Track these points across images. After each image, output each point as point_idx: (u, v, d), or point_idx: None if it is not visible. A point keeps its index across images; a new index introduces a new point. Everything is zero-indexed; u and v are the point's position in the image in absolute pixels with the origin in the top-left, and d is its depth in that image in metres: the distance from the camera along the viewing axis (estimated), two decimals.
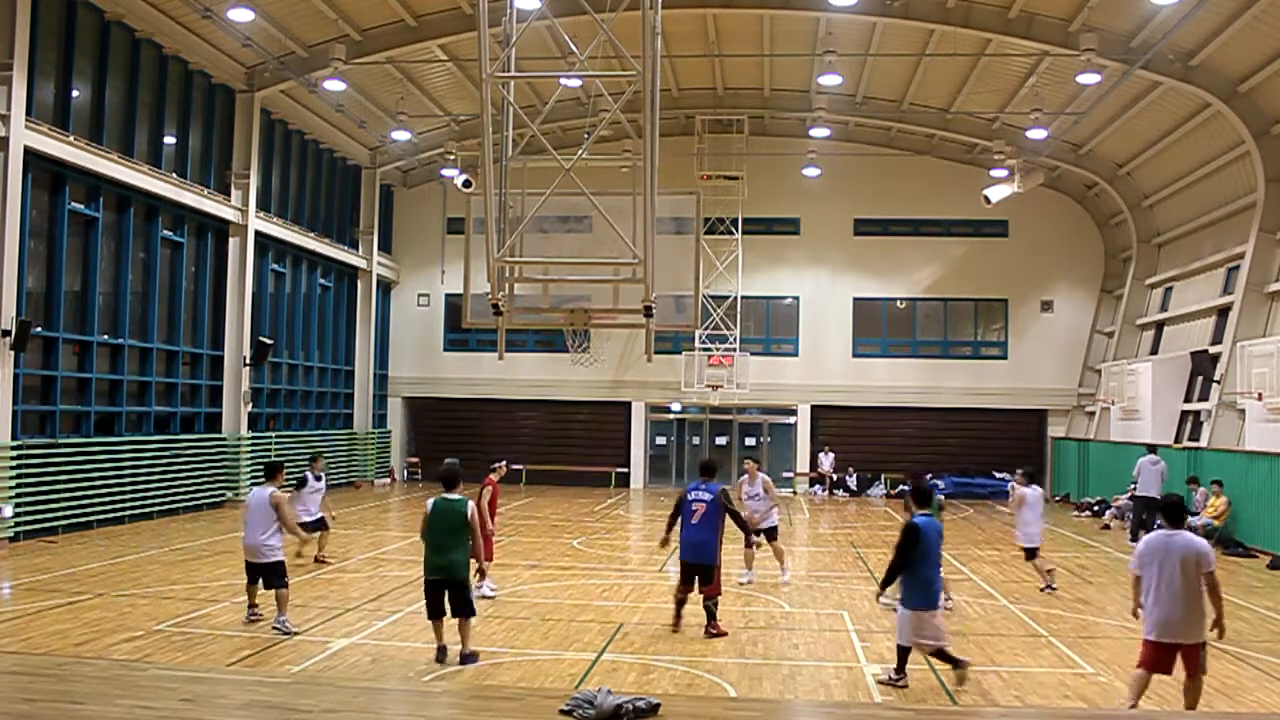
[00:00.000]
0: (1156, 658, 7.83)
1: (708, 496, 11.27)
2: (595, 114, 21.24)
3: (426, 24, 23.32)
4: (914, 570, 9.12)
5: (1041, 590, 14.27)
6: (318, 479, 15.84)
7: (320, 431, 28.65)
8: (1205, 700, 8.93)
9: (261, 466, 14.06)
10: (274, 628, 10.85)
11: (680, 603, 11.41)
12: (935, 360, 31.83)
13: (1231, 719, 8.54)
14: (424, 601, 9.97)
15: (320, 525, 15.60)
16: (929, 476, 30.72)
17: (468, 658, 9.79)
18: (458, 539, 9.84)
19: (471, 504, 10.10)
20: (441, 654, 9.88)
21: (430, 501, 10.01)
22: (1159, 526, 8.71)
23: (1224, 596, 7.98)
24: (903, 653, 9.28)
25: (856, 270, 31.78)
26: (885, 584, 9.58)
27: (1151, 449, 20.65)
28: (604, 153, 14.87)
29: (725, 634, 11.14)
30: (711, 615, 11.23)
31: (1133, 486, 20.58)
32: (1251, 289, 22.23)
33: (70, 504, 18.28)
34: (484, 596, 12.46)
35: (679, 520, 11.38)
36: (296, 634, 10.79)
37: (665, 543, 11.72)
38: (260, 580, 11.13)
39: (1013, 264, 31.12)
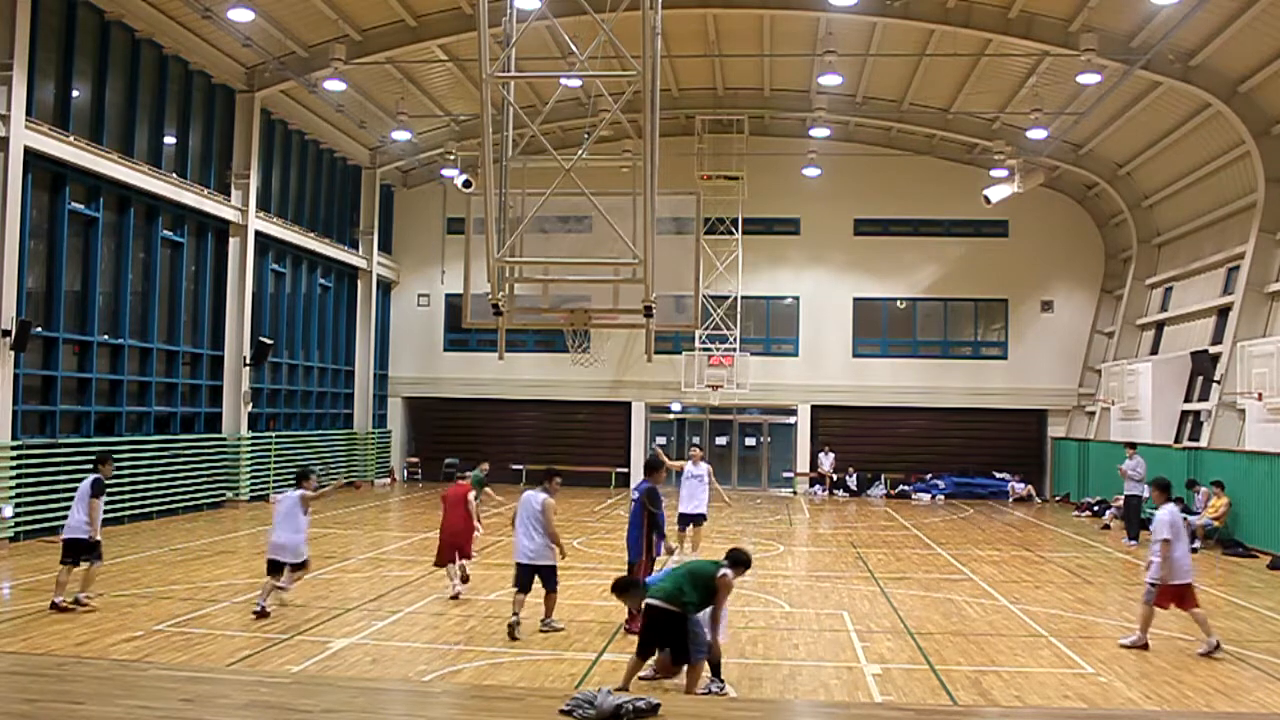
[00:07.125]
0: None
1: (634, 495, 11.65)
2: (595, 114, 21.27)
3: (426, 24, 23.32)
4: None
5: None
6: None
7: (320, 431, 28.66)
8: (1205, 700, 8.97)
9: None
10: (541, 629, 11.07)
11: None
12: (935, 360, 31.83)
13: (1231, 719, 8.55)
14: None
15: (94, 549, 11.87)
16: (929, 476, 31.01)
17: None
18: None
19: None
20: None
21: None
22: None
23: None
24: None
25: (856, 270, 31.78)
26: None
27: (1131, 446, 20.82)
28: (604, 153, 14.87)
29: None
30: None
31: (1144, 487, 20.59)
32: (1251, 289, 22.24)
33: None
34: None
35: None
36: (559, 629, 11.07)
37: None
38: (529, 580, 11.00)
39: (1013, 264, 31.13)
